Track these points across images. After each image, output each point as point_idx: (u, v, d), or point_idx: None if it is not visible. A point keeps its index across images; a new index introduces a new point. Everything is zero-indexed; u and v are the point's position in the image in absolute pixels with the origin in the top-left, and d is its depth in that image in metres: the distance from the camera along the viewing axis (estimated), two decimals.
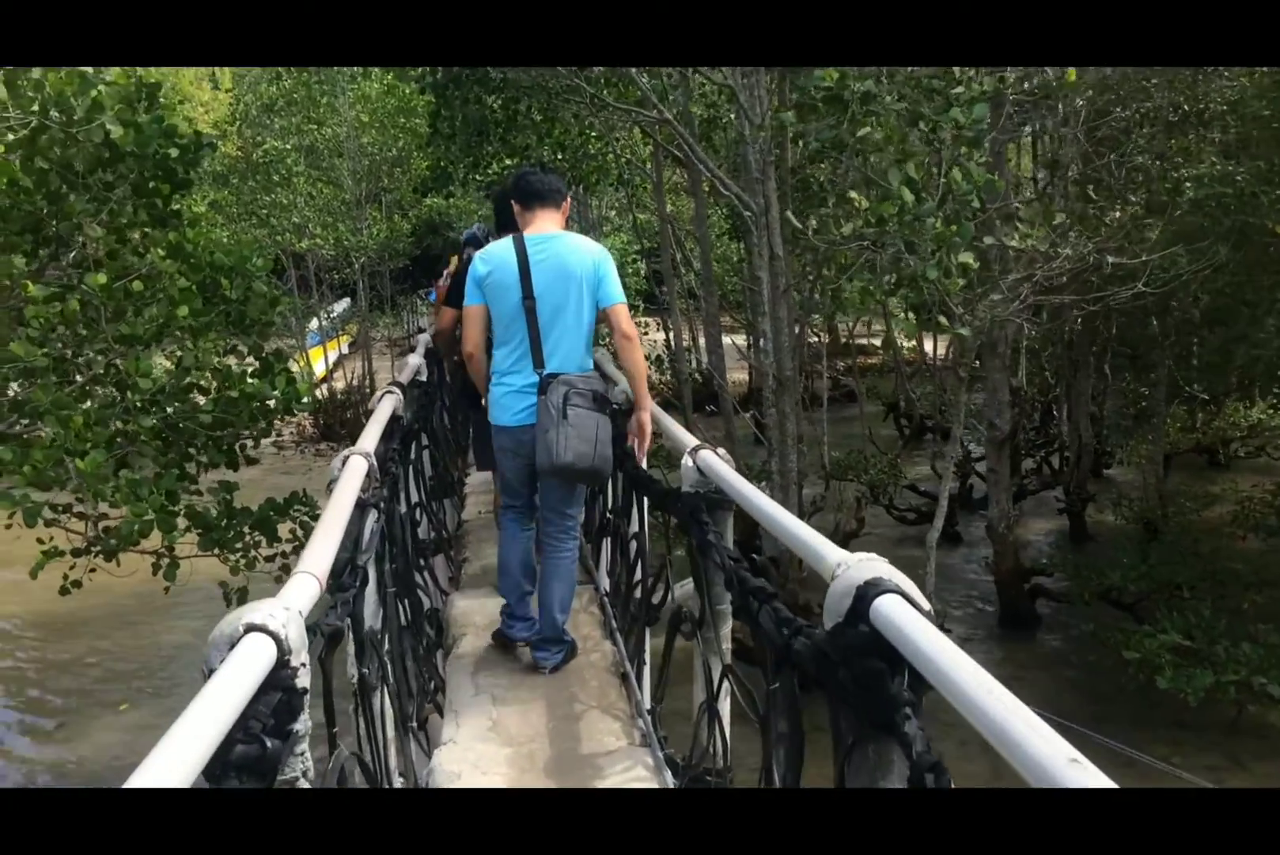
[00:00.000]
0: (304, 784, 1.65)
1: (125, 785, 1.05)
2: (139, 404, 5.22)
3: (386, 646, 2.97)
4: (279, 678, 1.54)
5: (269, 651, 1.51)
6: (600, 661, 3.81)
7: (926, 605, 1.65)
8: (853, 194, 4.81)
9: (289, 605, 1.63)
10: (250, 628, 1.53)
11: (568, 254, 3.64)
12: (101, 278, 5.29)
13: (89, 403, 5.37)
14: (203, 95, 30.73)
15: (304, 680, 1.63)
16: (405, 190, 21.20)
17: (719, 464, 2.95)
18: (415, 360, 5.80)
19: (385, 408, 4.07)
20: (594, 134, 13.44)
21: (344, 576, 2.38)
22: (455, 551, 5.66)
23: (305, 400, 6.17)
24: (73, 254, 5.71)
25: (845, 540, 11.85)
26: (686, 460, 3.13)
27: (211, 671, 1.46)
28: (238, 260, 5.62)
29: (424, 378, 5.88)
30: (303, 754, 1.65)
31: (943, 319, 4.98)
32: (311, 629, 1.90)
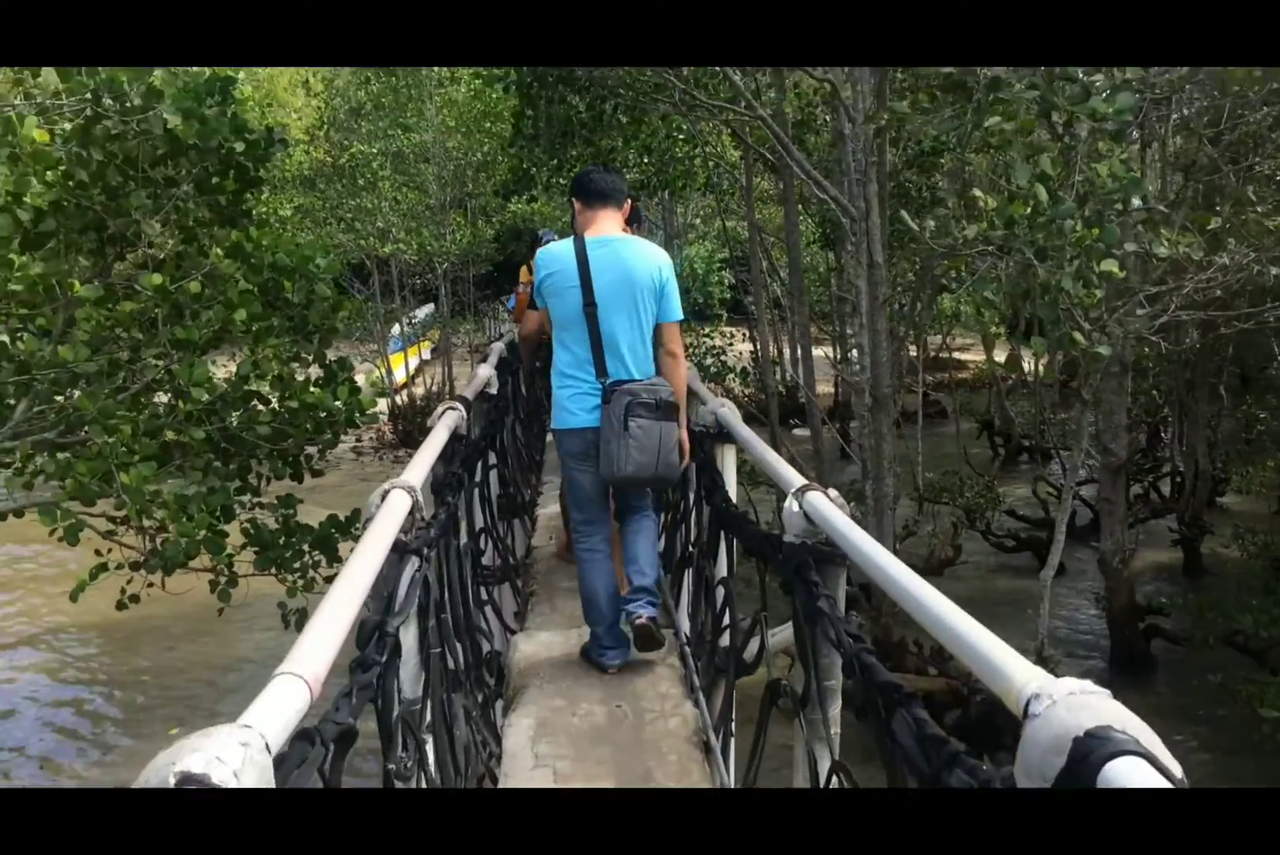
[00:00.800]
0: None
1: None
2: (193, 414, 4.86)
3: (428, 718, 2.50)
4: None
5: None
6: (680, 728, 3.26)
7: (1179, 773, 1.10)
8: (976, 192, 4.24)
9: (249, 738, 1.14)
10: (185, 779, 1.05)
11: (632, 259, 3.55)
12: (157, 278, 4.95)
13: (140, 412, 5.03)
14: (296, 101, 31.02)
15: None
16: (490, 196, 20.98)
17: (832, 512, 2.35)
18: (485, 371, 5.35)
19: (441, 430, 3.60)
20: (681, 137, 12.99)
21: (368, 648, 1.91)
22: (523, 582, 5.20)
23: (371, 412, 5.77)
24: (139, 253, 5.39)
25: (940, 569, 11.16)
26: (791, 504, 2.59)
27: None
28: (300, 261, 5.23)
29: (494, 390, 5.43)
30: None
31: (1076, 335, 4.38)
32: (308, 734, 1.43)
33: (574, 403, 3.64)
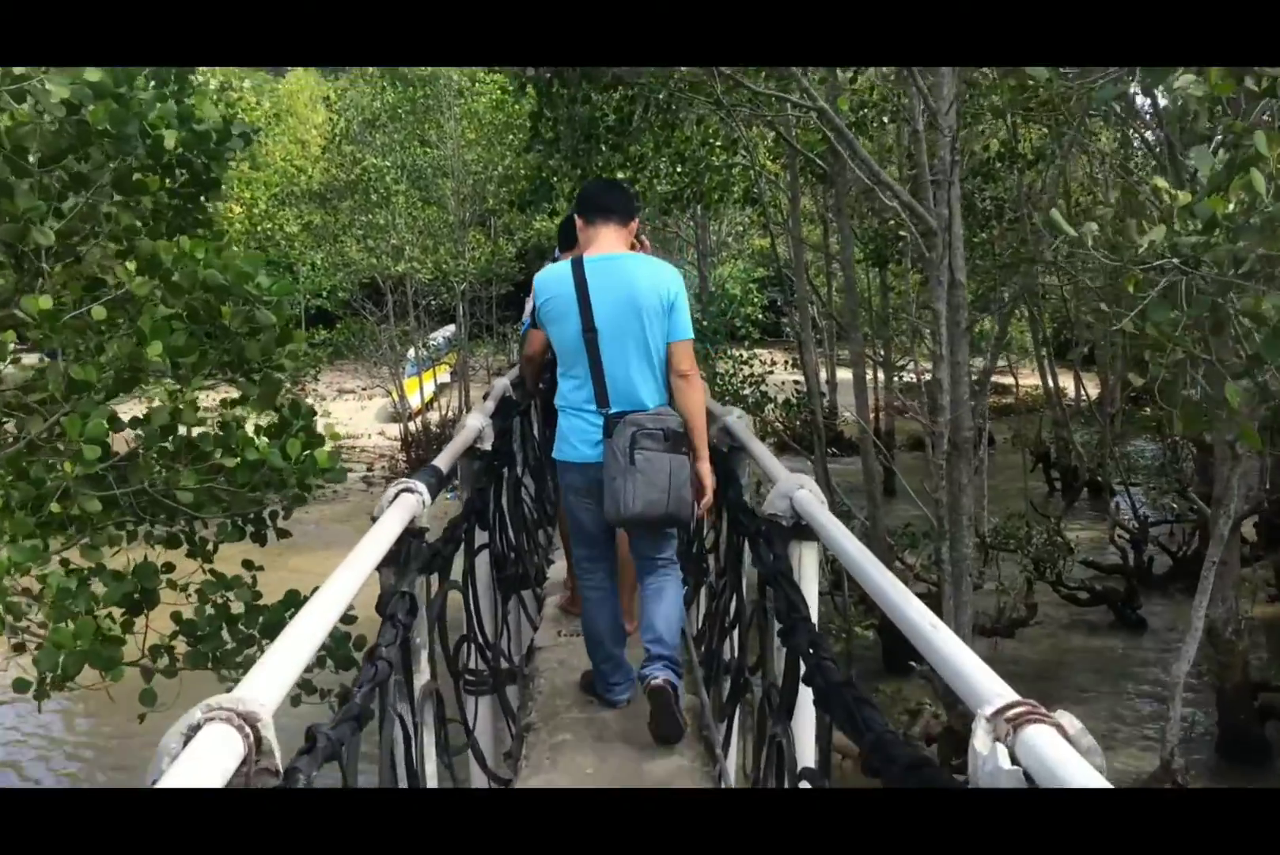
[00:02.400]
0: None
1: None
2: (79, 477, 3.64)
3: None
4: None
5: None
6: None
7: None
8: (1160, 181, 2.99)
9: None
10: None
11: (636, 279, 3.31)
12: (44, 302, 3.76)
13: (20, 477, 3.80)
14: (317, 117, 30.07)
15: None
16: (512, 213, 19.83)
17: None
18: (475, 422, 4.08)
19: (384, 528, 2.41)
20: (719, 144, 11.77)
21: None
22: (520, 700, 3.96)
23: (332, 470, 4.52)
24: (27, 267, 4.20)
25: (1011, 629, 9.82)
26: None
27: None
28: (236, 278, 4.01)
29: (487, 444, 4.19)
30: None
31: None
32: None
33: (576, 435, 3.42)
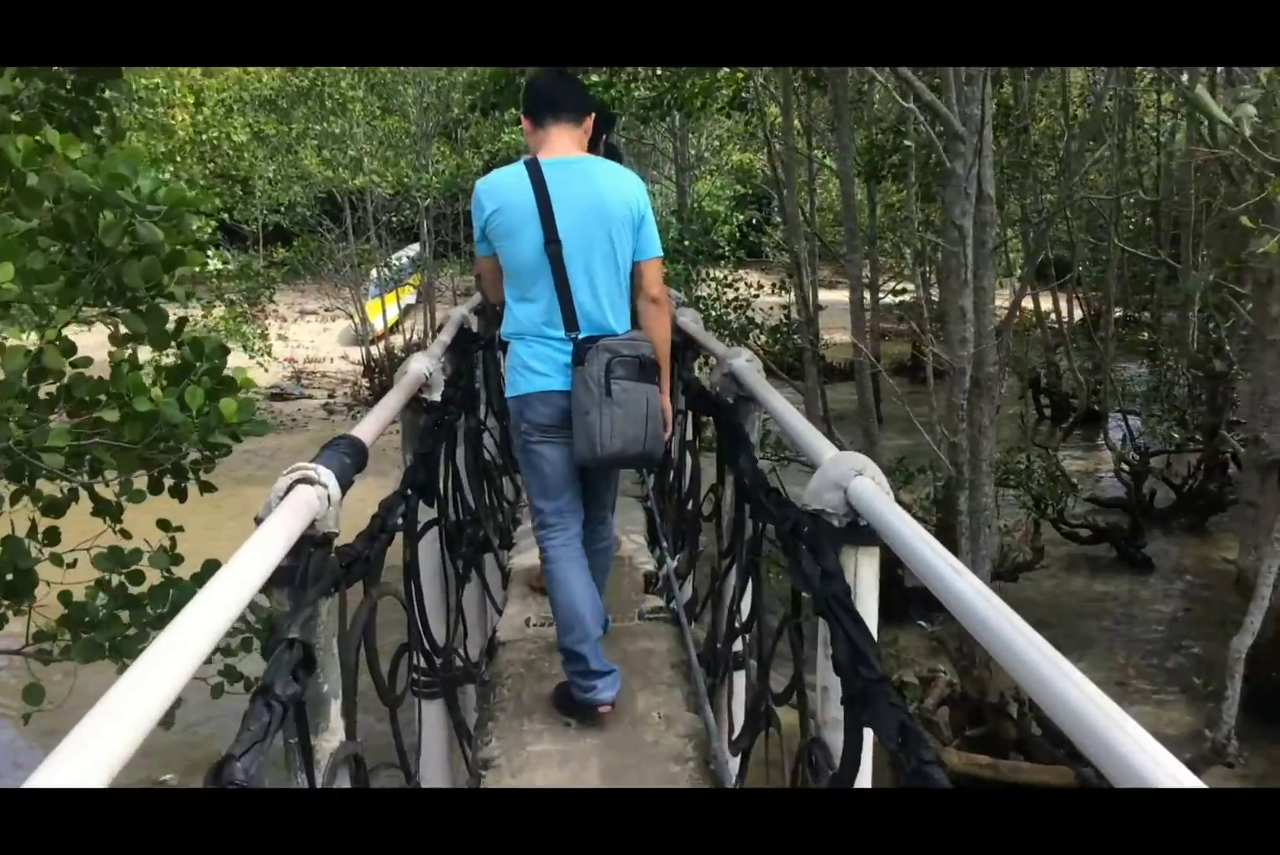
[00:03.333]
0: None
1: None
2: None
3: None
4: None
5: None
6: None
7: None
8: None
9: None
10: None
11: (602, 187, 2.92)
12: None
13: None
14: None
15: None
16: (480, 124, 18.52)
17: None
18: (420, 366, 3.26)
19: (266, 542, 1.63)
20: None
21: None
22: (479, 695, 3.22)
23: (249, 423, 3.68)
24: None
25: (1015, 574, 9.19)
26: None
27: None
28: (108, 182, 3.12)
29: (436, 395, 3.37)
30: None
31: None
32: None
33: (540, 361, 2.99)
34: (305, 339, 22.84)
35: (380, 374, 18.99)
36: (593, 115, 3.11)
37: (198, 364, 3.65)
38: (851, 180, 8.47)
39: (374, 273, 20.15)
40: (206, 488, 4.72)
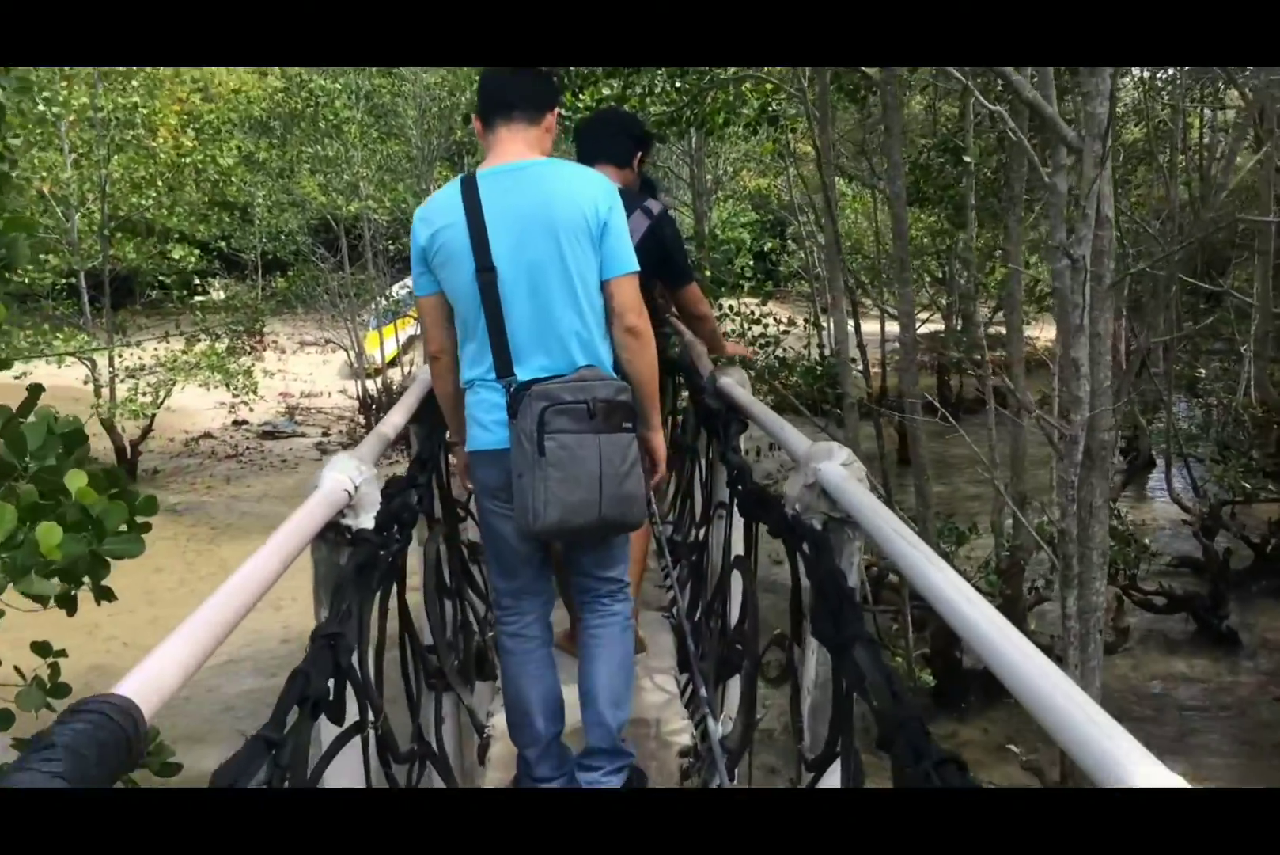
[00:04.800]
0: None
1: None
2: None
3: None
4: None
5: None
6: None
7: None
8: None
9: None
10: None
11: (550, 192, 2.43)
12: None
13: None
14: None
15: None
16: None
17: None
18: (334, 478, 2.11)
19: None
20: None
21: None
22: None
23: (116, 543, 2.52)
24: None
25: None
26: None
27: None
28: None
29: (367, 521, 2.22)
30: None
31: None
32: None
33: (484, 412, 2.54)
34: (304, 371, 21.75)
35: (377, 410, 17.89)
36: (555, 110, 2.62)
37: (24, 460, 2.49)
38: (904, 203, 7.32)
39: (373, 303, 19.08)
40: (103, 595, 3.60)
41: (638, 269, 2.53)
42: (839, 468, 2.25)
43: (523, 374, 2.47)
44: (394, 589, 2.47)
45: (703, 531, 4.23)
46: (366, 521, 2.25)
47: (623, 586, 2.77)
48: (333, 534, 2.20)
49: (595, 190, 2.48)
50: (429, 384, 3.63)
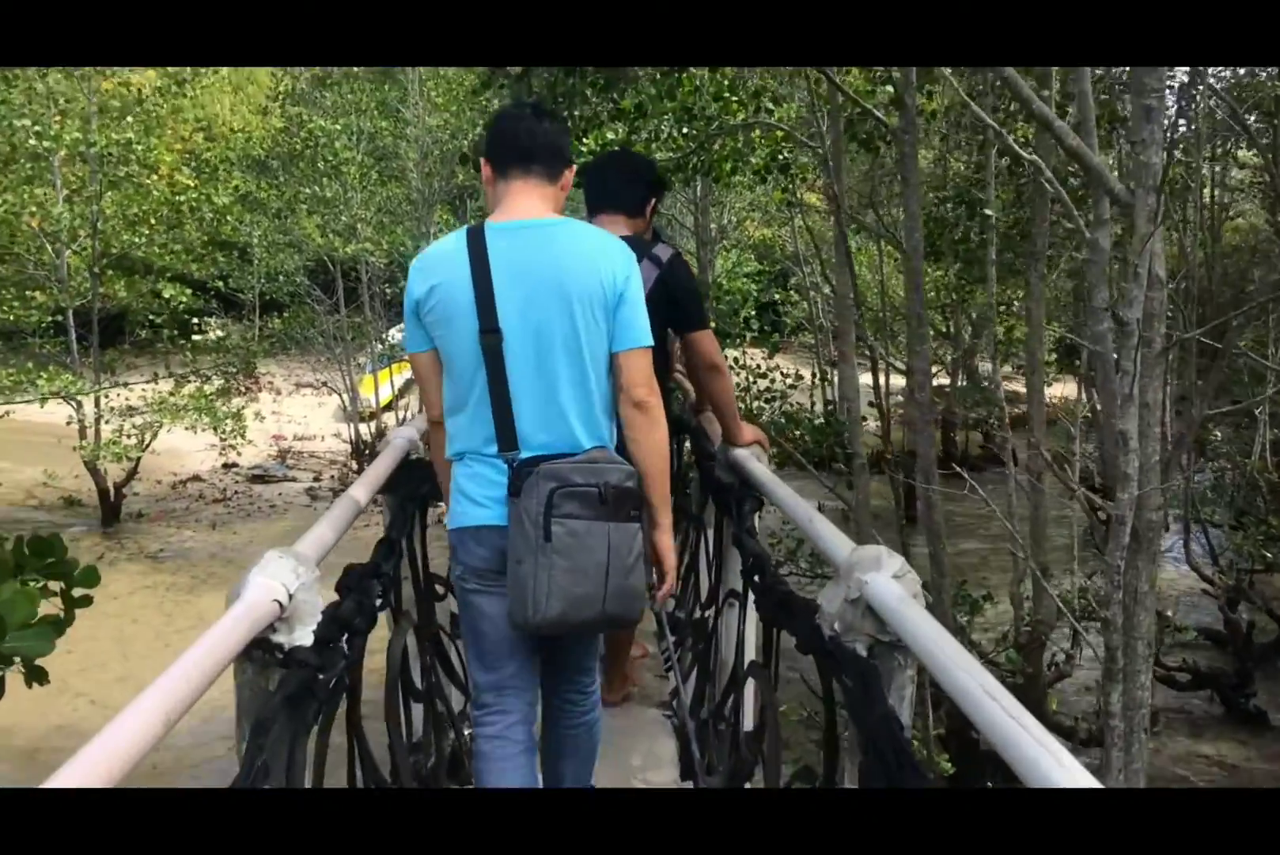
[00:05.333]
0: None
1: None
2: None
3: None
4: None
5: None
6: None
7: None
8: None
9: None
10: None
11: (567, 256, 2.26)
12: None
13: None
14: (261, 75, 27.49)
15: None
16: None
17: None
18: (267, 584, 1.69)
19: None
20: (735, 99, 9.32)
21: None
22: None
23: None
24: None
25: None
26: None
27: None
28: None
29: (305, 638, 1.79)
30: None
31: None
32: None
33: (478, 487, 2.30)
34: (298, 414, 21.32)
35: (370, 456, 17.46)
36: (572, 168, 2.44)
37: None
38: (920, 256, 6.97)
39: (369, 347, 18.73)
40: (36, 675, 3.17)
41: (651, 343, 2.35)
42: (890, 582, 1.83)
43: (526, 449, 2.28)
44: (343, 709, 2.04)
45: (709, 612, 3.81)
46: (303, 637, 1.83)
47: (595, 680, 2.63)
48: (260, 652, 1.77)
49: (614, 257, 2.32)
50: (402, 450, 3.22)
